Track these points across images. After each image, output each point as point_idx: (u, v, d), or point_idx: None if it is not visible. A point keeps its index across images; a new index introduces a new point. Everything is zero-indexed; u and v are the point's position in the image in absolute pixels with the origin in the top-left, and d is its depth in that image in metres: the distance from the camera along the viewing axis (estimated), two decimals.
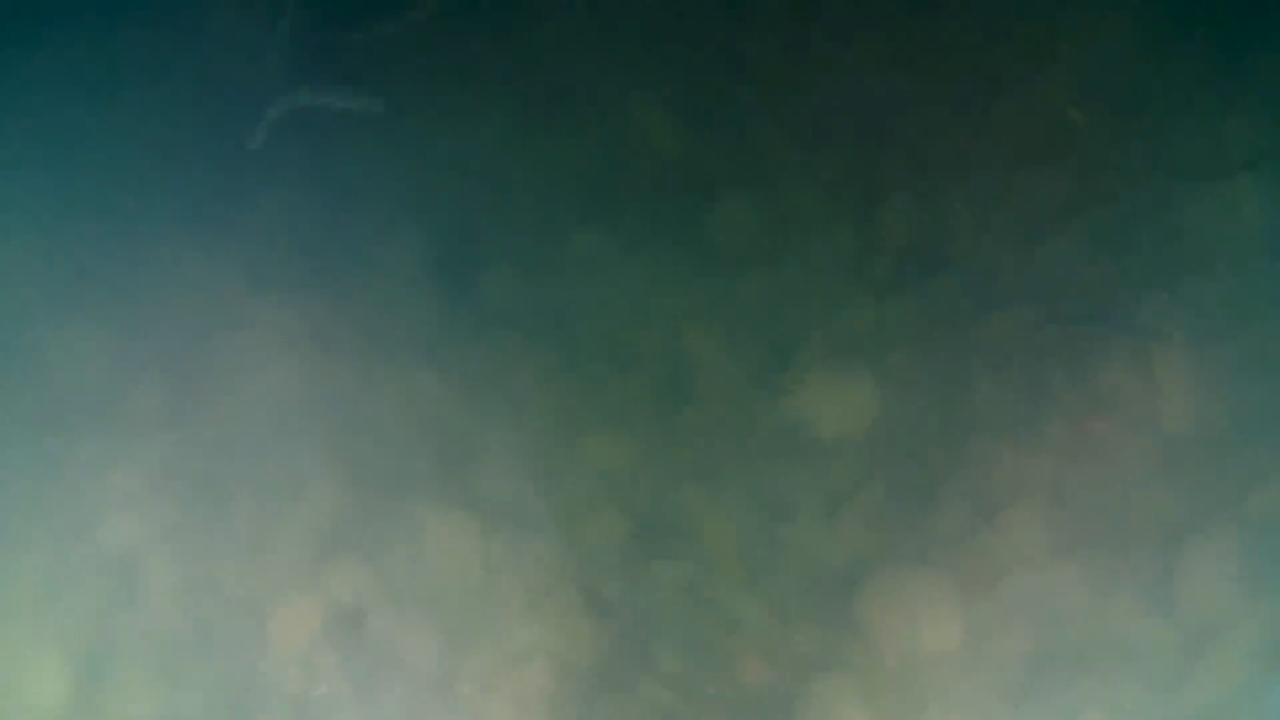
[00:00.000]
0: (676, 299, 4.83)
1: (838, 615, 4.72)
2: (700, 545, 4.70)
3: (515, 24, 5.16)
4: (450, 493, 4.80)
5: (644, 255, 4.90)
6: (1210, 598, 4.74)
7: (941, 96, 5.00)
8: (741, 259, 4.87)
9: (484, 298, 4.93)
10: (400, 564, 4.85)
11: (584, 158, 5.06)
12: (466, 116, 5.16)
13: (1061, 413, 4.80)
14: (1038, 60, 5.00)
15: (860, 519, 4.77)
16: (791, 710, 4.69)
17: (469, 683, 4.75)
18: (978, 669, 4.76)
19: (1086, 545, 4.79)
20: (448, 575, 4.81)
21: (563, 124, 5.10)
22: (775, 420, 4.77)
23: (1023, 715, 4.76)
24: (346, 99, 5.16)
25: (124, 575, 5.06)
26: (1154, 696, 4.72)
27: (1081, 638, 4.76)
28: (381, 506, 4.83)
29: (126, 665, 5.00)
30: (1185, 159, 4.93)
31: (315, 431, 4.96)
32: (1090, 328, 4.87)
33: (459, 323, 4.94)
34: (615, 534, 4.73)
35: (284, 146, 5.21)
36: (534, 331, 4.83)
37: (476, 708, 4.71)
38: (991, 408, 4.86)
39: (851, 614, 4.73)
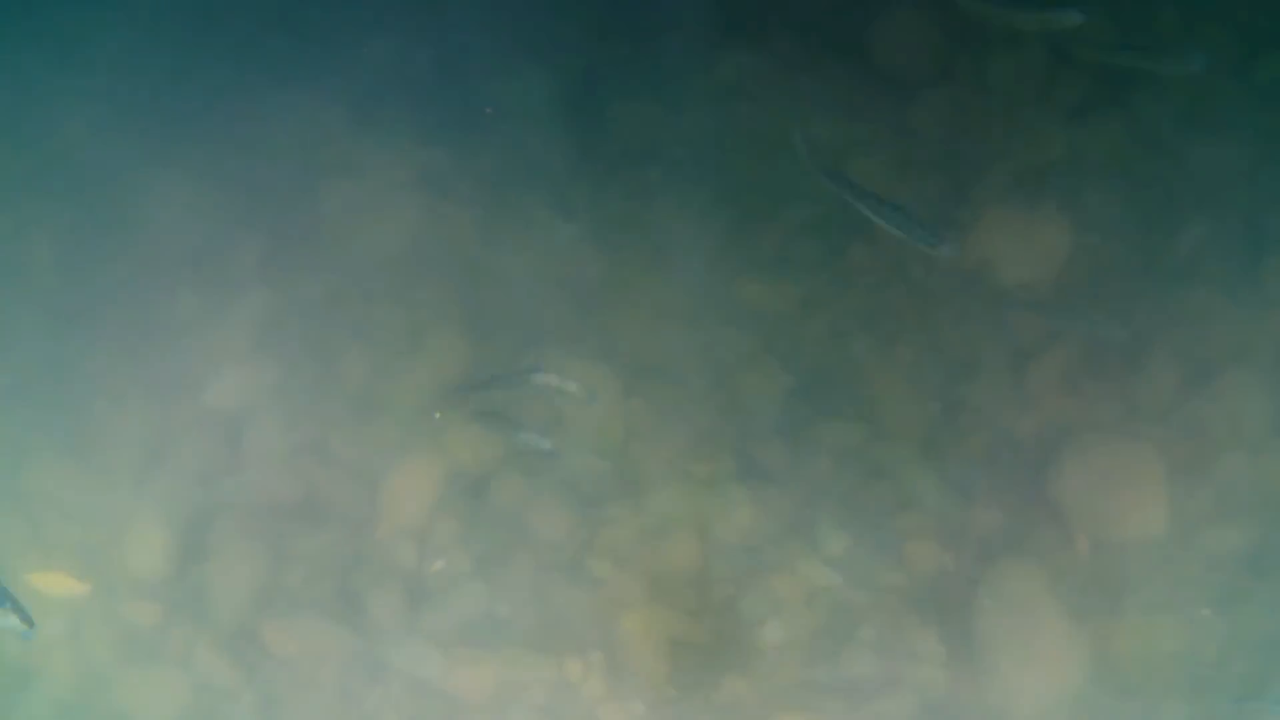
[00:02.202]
0: (838, 127, 4.21)
1: (1025, 494, 4.08)
2: (870, 406, 4.09)
3: None
4: (585, 347, 4.28)
5: (801, 79, 4.27)
6: None
7: None
8: (912, 80, 4.23)
9: (617, 134, 4.37)
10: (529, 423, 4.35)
11: None
12: None
13: None
14: None
15: (1052, 381, 4.10)
16: (970, 602, 4.09)
17: (602, 559, 4.23)
18: (1185, 564, 4.08)
19: None
20: (583, 436, 4.28)
21: None
22: (955, 261, 4.12)
23: (1237, 623, 4.07)
24: None
25: (227, 440, 4.69)
26: None
27: None
28: (508, 363, 4.33)
29: (229, 536, 4.62)
30: None
31: (432, 284, 4.50)
32: None
33: (590, 163, 4.39)
34: (774, 391, 4.14)
35: None
36: (676, 168, 4.26)
37: (610, 587, 4.19)
38: (1208, 253, 4.14)
39: (1041, 493, 4.09)
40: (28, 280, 4.88)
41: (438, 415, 4.01)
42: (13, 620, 3.51)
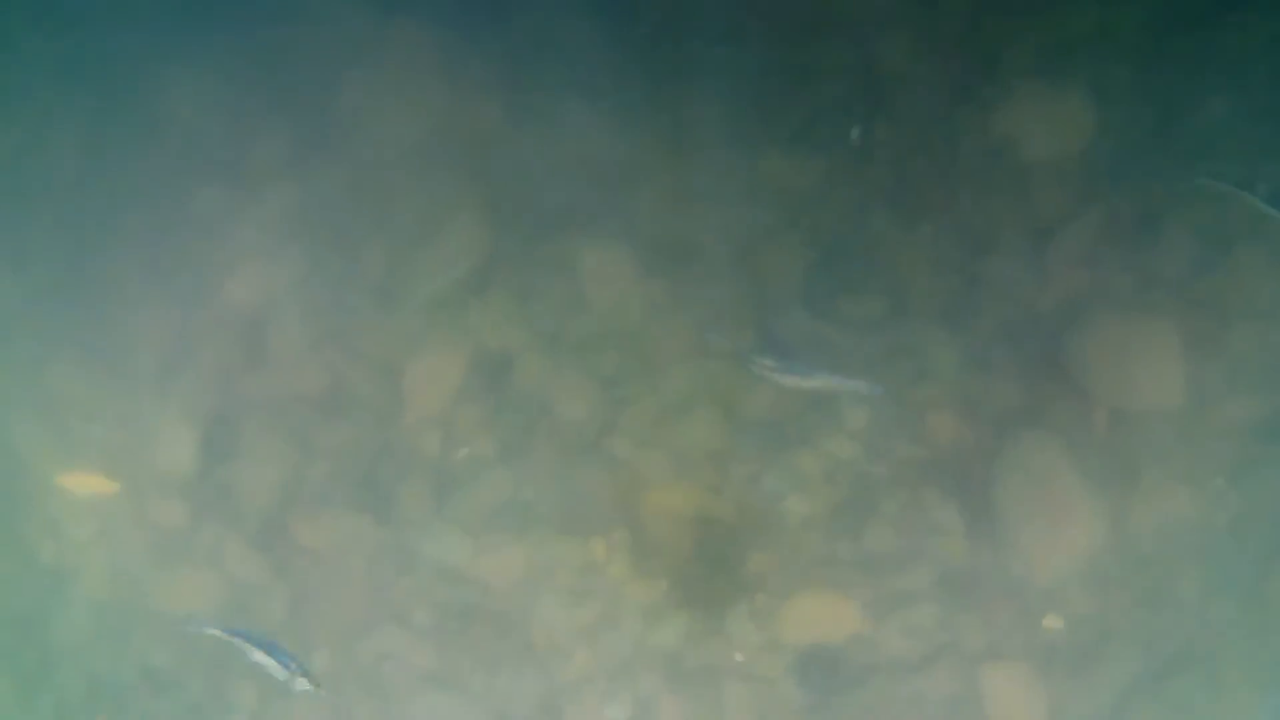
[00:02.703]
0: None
1: (1044, 366, 4.11)
2: (892, 280, 4.10)
3: None
4: (607, 227, 4.28)
5: None
6: None
7: None
8: None
9: (639, 12, 4.34)
10: (551, 307, 4.37)
11: None
12: None
13: None
14: None
15: (1072, 255, 4.12)
16: (990, 472, 4.13)
17: (624, 438, 4.27)
18: (1200, 434, 4.11)
19: None
20: (604, 318, 4.31)
21: None
22: (978, 138, 4.12)
23: (1249, 488, 4.12)
24: None
25: (250, 335, 4.71)
26: None
27: None
28: (529, 245, 4.34)
29: (255, 431, 4.67)
30: None
31: (453, 170, 4.49)
32: None
33: (613, 42, 4.36)
34: (797, 266, 4.15)
35: None
36: (698, 45, 4.24)
37: (633, 466, 4.24)
38: (1230, 131, 4.13)
39: (1060, 365, 4.11)
40: (50, 181, 4.87)
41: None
42: (302, 682, 3.65)
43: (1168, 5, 4.11)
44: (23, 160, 4.84)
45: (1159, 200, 4.13)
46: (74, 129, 4.80)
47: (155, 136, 4.73)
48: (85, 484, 4.83)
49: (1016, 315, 4.10)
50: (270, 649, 3.78)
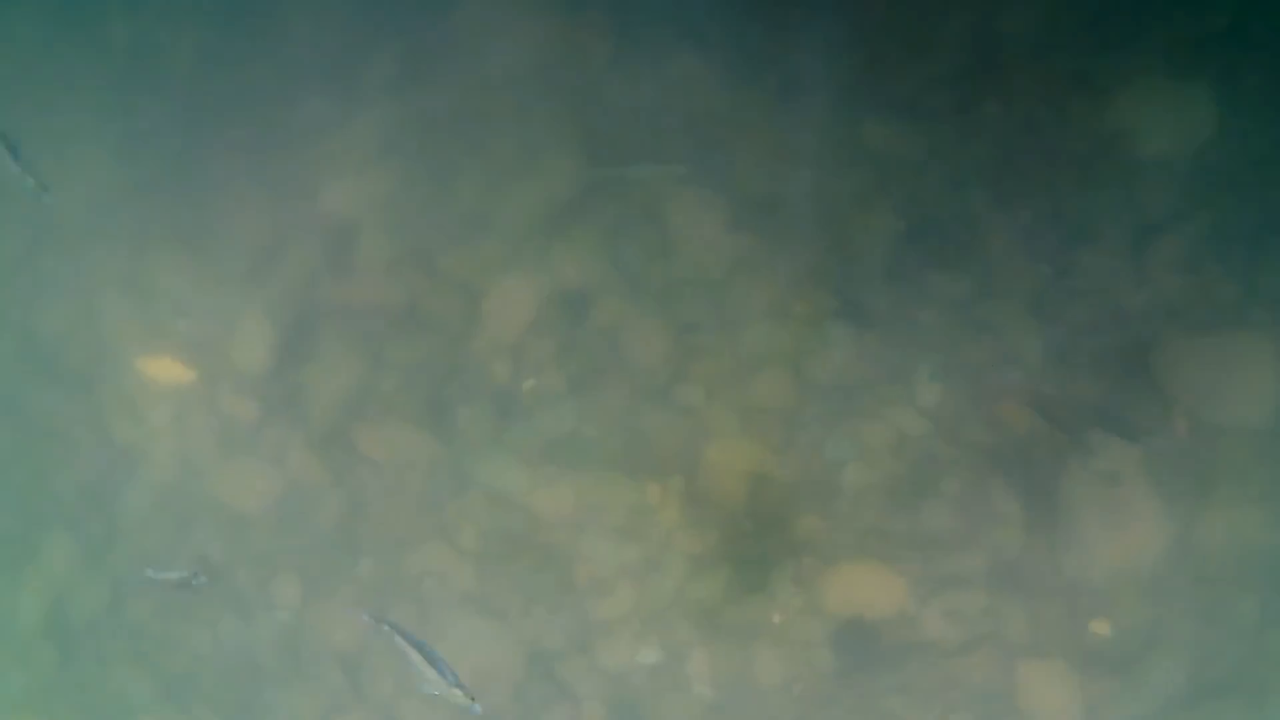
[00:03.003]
0: None
1: (1131, 368, 4.02)
2: (982, 260, 4.04)
3: None
4: (703, 176, 4.28)
5: None
6: None
7: None
8: None
9: None
10: (636, 249, 4.39)
11: None
12: None
13: None
14: None
15: (1175, 257, 4.02)
16: (1059, 470, 4.05)
17: (694, 387, 4.28)
18: None
19: None
20: (687, 266, 4.32)
21: None
22: (1091, 126, 4.04)
23: None
24: None
25: (338, 245, 4.79)
26: None
27: None
28: (621, 186, 4.36)
29: (331, 337, 4.76)
30: None
31: (555, 104, 4.52)
32: None
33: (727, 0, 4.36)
34: (887, 236, 4.12)
35: None
36: (813, 6, 4.21)
37: (698, 416, 4.24)
38: None
39: (1147, 368, 4.02)
40: (167, 77, 5.01)
41: None
42: (459, 696, 3.75)
43: None
44: (142, 52, 4.98)
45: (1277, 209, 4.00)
46: (193, 29, 4.91)
47: (269, 44, 4.82)
48: (165, 371, 4.97)
49: (1107, 312, 4.01)
50: (433, 659, 3.82)
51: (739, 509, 4.19)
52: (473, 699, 3.71)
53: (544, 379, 4.43)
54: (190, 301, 4.93)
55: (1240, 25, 3.93)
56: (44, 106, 5.03)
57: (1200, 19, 3.91)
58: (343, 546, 4.61)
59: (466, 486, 4.52)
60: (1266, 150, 3.95)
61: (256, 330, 4.81)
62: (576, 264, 4.38)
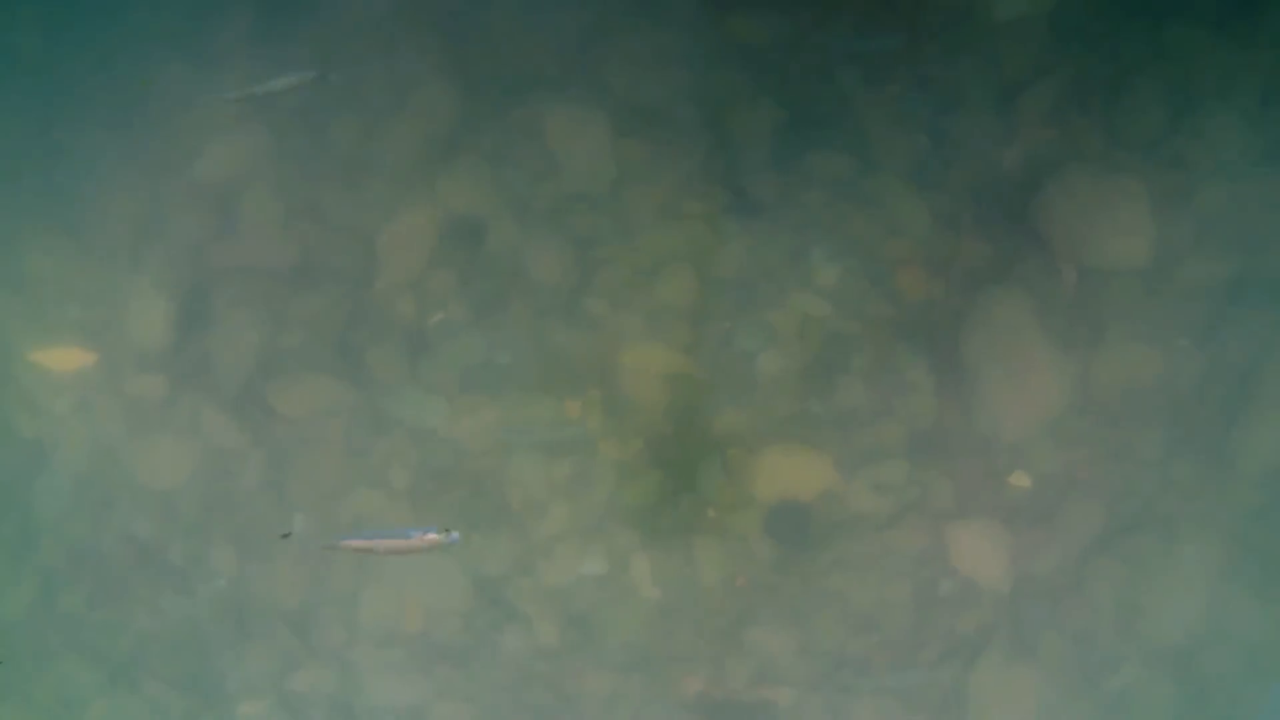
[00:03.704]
0: None
1: (1012, 223, 4.14)
2: (861, 137, 4.10)
3: None
4: (577, 91, 4.25)
5: None
6: None
7: None
8: None
9: None
10: (523, 171, 4.36)
11: None
12: None
13: None
14: None
15: (1039, 113, 4.12)
16: (957, 326, 4.18)
17: (599, 298, 4.30)
18: (1165, 292, 4.16)
19: None
20: (576, 181, 4.30)
21: None
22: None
23: (1212, 345, 4.18)
24: None
25: (221, 208, 4.68)
26: None
27: None
28: (499, 109, 4.31)
29: (228, 302, 4.67)
30: None
31: (419, 35, 4.44)
32: None
33: None
34: (765, 125, 4.15)
35: None
36: None
37: (606, 327, 4.27)
38: None
39: (1028, 222, 4.14)
40: (10, 59, 4.79)
41: None
42: (436, 537, 3.62)
43: None
44: None
45: (1129, 58, 4.11)
46: (33, 6, 4.69)
47: (115, 13, 4.63)
48: (62, 359, 4.83)
49: (986, 173, 4.10)
50: (390, 534, 3.79)
51: (659, 412, 4.25)
52: (448, 530, 3.74)
53: (450, 311, 4.40)
54: (76, 286, 4.79)
55: None
56: None
57: None
58: (272, 505, 4.57)
59: (388, 428, 4.51)
60: (1110, 2, 4.04)
61: (150, 305, 4.70)
62: (464, 194, 4.33)
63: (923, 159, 4.09)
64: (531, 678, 4.39)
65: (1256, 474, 4.12)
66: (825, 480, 4.24)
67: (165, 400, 4.71)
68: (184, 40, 4.69)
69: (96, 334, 4.79)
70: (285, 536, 4.05)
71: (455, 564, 4.43)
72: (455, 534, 3.72)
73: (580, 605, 4.34)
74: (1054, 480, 4.23)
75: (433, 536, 3.73)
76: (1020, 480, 4.22)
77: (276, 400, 4.61)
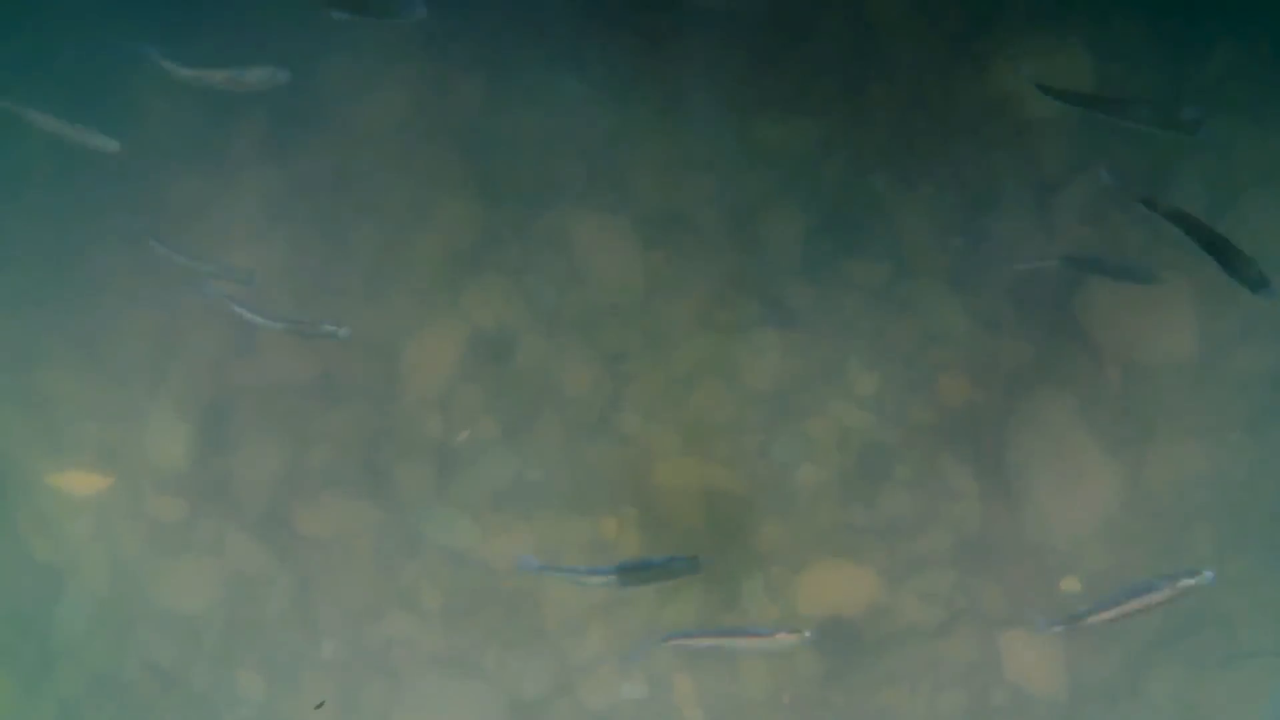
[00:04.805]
0: None
1: (1054, 323, 4.04)
2: (895, 242, 4.01)
3: None
4: (602, 201, 4.17)
5: None
6: None
7: None
8: None
9: None
10: (549, 284, 4.26)
11: None
12: None
13: None
14: None
15: (1077, 210, 4.04)
16: (1003, 433, 4.06)
17: (631, 414, 4.19)
18: (1214, 387, 4.04)
19: None
20: (605, 292, 4.21)
21: None
22: (977, 95, 4.02)
23: (1266, 441, 4.05)
24: None
25: (239, 324, 4.58)
26: None
27: None
28: (523, 222, 4.23)
29: (248, 420, 4.57)
30: None
31: (439, 149, 4.37)
32: None
33: (597, 14, 4.24)
34: (796, 232, 4.06)
35: None
36: (688, 10, 4.11)
37: (640, 442, 4.16)
38: (1236, 77, 4.04)
39: (1070, 322, 4.04)
40: (23, 179, 4.75)
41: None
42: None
43: None
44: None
45: (1165, 150, 4.03)
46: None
47: (128, 128, 4.57)
48: (80, 482, 4.74)
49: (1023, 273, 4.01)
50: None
51: (697, 528, 4.13)
52: (800, 630, 3.67)
53: (478, 428, 4.30)
54: (94, 406, 4.70)
55: None
56: None
57: None
58: (300, 630, 4.45)
59: (418, 548, 4.39)
60: (1145, 90, 3.97)
61: (169, 425, 4.60)
62: (490, 307, 4.25)
63: (959, 261, 3.99)
64: None
65: None
66: (871, 592, 4.11)
67: (187, 522, 4.61)
68: (200, 151, 4.62)
69: (114, 455, 4.69)
70: (318, 707, 3.92)
71: (489, 687, 4.29)
72: (809, 633, 3.66)
73: None
74: (1107, 582, 4.09)
75: (784, 636, 3.67)
76: (1071, 585, 4.09)
77: (302, 521, 4.49)
